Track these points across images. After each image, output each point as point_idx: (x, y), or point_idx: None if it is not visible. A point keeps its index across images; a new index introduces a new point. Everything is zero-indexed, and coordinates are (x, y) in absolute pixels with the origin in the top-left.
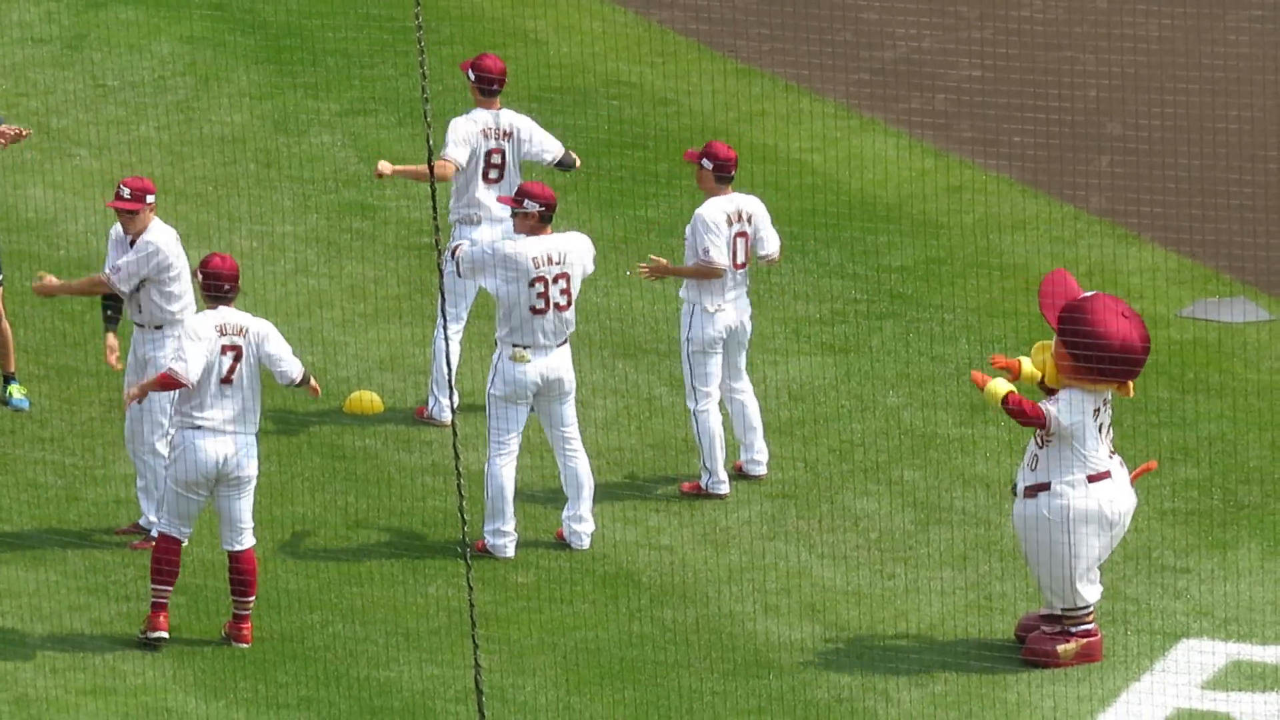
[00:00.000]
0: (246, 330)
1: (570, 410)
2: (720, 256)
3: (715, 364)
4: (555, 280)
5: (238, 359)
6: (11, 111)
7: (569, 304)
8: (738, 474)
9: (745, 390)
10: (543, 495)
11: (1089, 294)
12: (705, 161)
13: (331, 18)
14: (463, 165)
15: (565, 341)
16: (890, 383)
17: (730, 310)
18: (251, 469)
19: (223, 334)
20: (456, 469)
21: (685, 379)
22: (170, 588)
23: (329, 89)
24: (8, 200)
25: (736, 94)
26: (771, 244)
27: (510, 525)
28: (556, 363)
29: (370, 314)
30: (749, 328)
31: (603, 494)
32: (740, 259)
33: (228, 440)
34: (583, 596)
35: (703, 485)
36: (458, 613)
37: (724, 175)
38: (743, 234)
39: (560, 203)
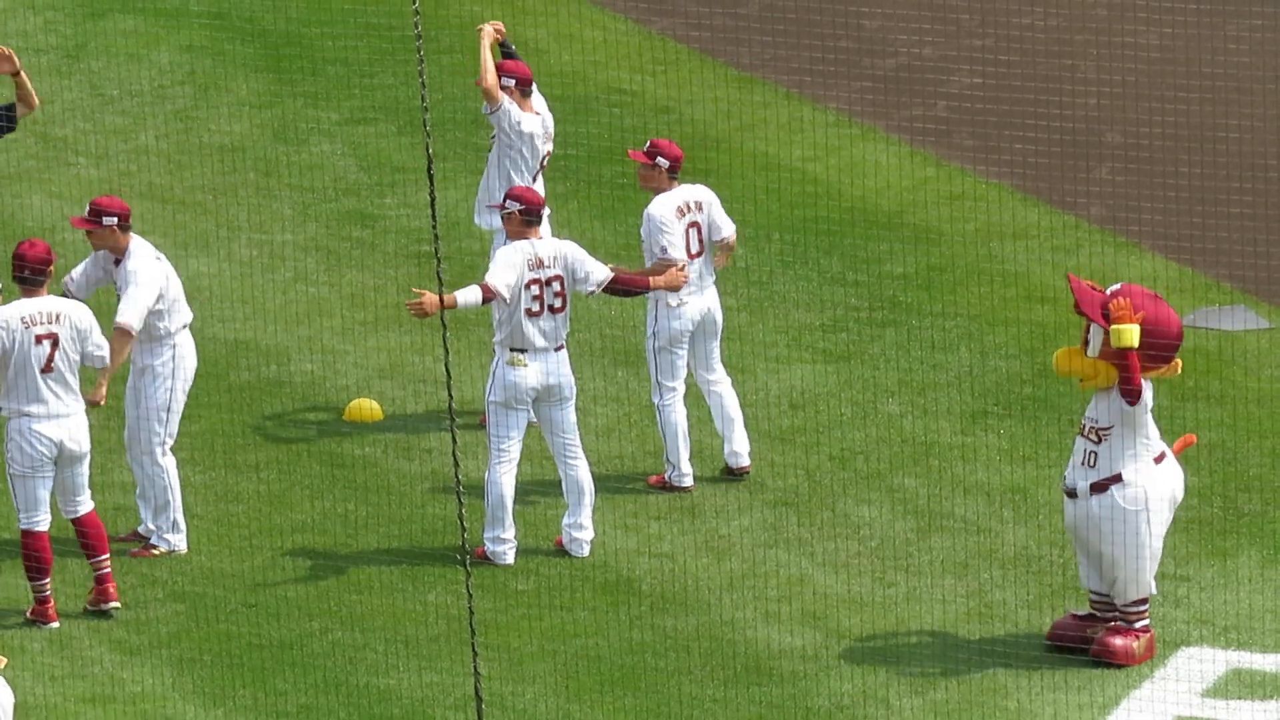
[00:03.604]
0: (61, 316)
1: (570, 416)
2: (677, 251)
3: (680, 359)
4: (549, 282)
5: (55, 346)
6: None
7: (564, 306)
8: (725, 474)
9: (720, 381)
10: (542, 502)
11: (1117, 286)
12: (661, 160)
13: (331, 26)
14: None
15: (562, 346)
16: (890, 390)
17: (695, 302)
18: (87, 443)
19: (35, 324)
20: (456, 476)
21: (650, 374)
22: (49, 578)
23: (329, 98)
24: (7, 209)
25: (736, 102)
26: (727, 228)
27: (510, 533)
28: (554, 367)
29: (370, 322)
30: (719, 317)
31: (602, 501)
32: (694, 248)
33: (61, 423)
34: (582, 604)
35: (666, 479)
36: (457, 620)
37: (676, 171)
38: (694, 224)
39: (560, 210)
